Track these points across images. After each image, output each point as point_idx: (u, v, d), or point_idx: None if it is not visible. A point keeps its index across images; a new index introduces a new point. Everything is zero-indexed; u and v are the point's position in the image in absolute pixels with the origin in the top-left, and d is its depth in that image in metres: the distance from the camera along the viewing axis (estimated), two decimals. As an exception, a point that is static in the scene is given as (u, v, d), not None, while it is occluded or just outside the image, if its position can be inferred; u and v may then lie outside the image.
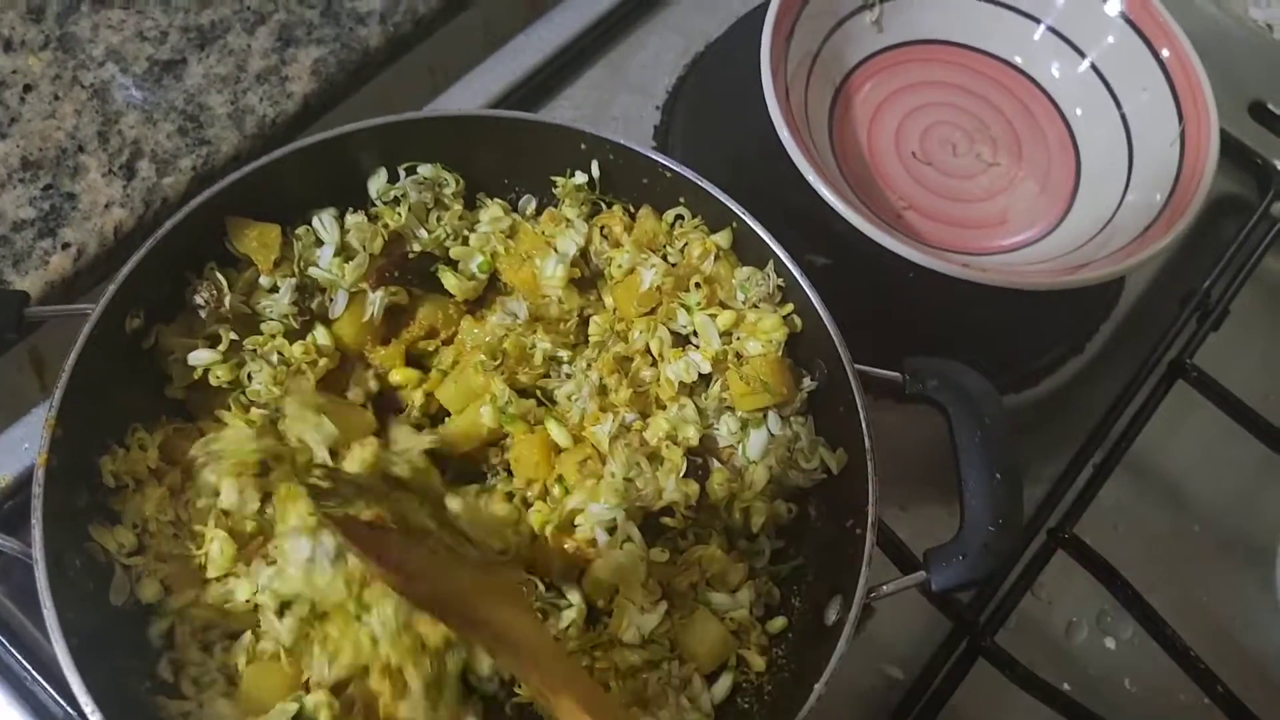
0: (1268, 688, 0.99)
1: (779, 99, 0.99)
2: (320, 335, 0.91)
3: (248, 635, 0.81)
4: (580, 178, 0.96)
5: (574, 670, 0.73)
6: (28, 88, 1.02)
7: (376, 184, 0.95)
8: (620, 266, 0.94)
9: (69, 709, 0.83)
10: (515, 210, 0.99)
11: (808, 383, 0.90)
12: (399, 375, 0.93)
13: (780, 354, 0.90)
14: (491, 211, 0.97)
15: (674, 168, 0.92)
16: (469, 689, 0.80)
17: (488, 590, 0.71)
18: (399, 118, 0.91)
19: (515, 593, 0.76)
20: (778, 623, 0.87)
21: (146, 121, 1.02)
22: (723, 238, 0.93)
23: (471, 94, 1.14)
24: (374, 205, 0.95)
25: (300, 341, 0.90)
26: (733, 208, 0.90)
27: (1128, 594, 0.95)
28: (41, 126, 1.01)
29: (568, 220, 0.96)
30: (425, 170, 0.95)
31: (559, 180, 0.96)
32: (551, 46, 1.18)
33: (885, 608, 0.97)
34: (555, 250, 0.94)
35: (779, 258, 0.89)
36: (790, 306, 0.91)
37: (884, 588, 0.79)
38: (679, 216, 0.95)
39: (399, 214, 0.94)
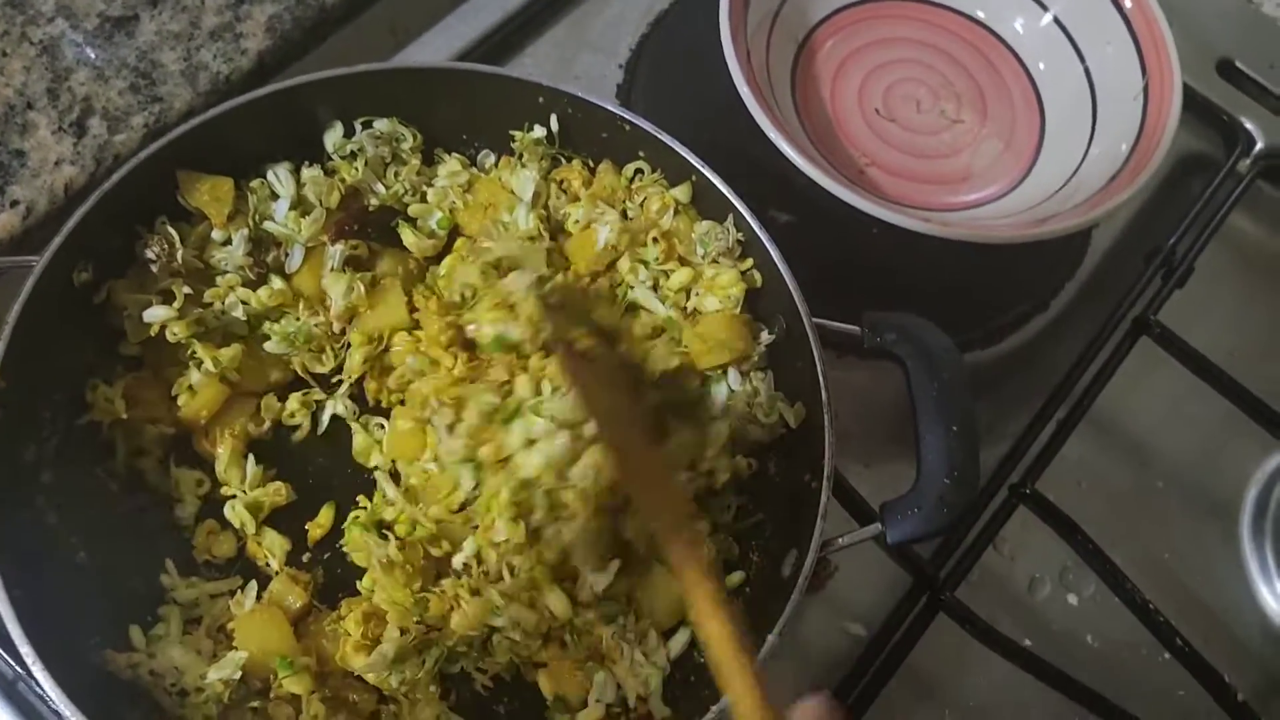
0: (1229, 642, 1.00)
1: (739, 57, 0.98)
2: (276, 284, 0.90)
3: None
4: (539, 131, 0.95)
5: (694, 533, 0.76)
6: (-26, 44, 1.01)
7: (333, 138, 0.94)
8: (577, 221, 0.93)
9: (18, 669, 0.82)
10: (474, 165, 0.98)
11: (765, 336, 0.90)
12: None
13: (739, 310, 0.90)
14: (449, 166, 0.96)
15: (633, 120, 0.91)
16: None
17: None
18: (354, 70, 0.91)
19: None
20: (735, 577, 0.86)
21: (98, 78, 1.00)
22: (681, 192, 0.93)
23: (433, 51, 1.13)
24: (330, 159, 0.94)
25: (264, 287, 0.89)
26: (692, 161, 0.90)
27: (1089, 549, 0.95)
28: (-10, 83, 0.99)
29: (522, 165, 0.96)
30: (382, 125, 0.94)
31: (517, 134, 0.95)
32: (513, 4, 1.17)
33: (848, 566, 0.97)
34: (515, 194, 0.94)
35: (739, 211, 0.89)
36: (750, 262, 0.91)
37: (839, 540, 0.79)
38: (638, 171, 0.95)
39: (355, 169, 0.93)
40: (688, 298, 0.92)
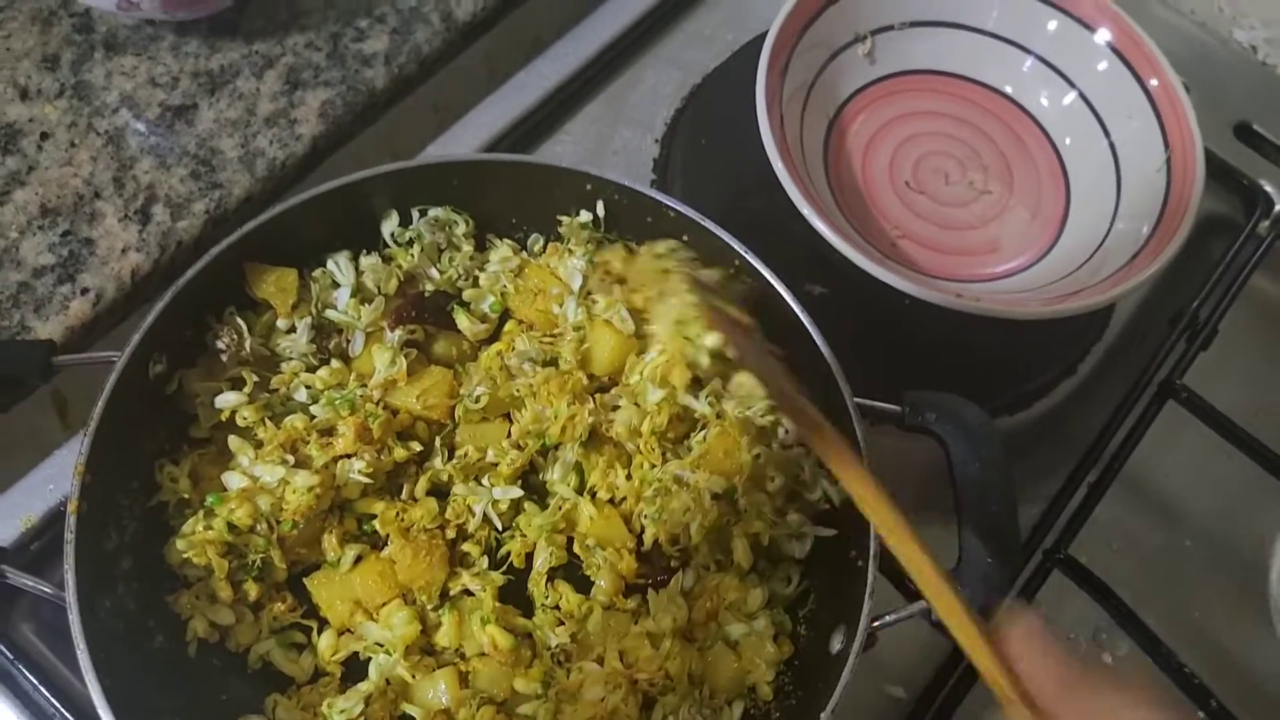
0: (1261, 700, 1.02)
1: (774, 132, 1.02)
2: (335, 364, 0.95)
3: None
4: (585, 216, 0.99)
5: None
6: (44, 135, 1.05)
7: (389, 226, 0.98)
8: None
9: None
10: (524, 250, 1.02)
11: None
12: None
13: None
14: (500, 252, 1.00)
15: (676, 207, 0.94)
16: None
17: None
18: (409, 164, 0.95)
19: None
20: (785, 649, 0.89)
21: (160, 166, 1.05)
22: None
23: (475, 131, 1.17)
24: (388, 247, 0.98)
25: (325, 367, 0.94)
26: (734, 245, 0.93)
27: (1122, 611, 0.98)
28: (59, 174, 1.03)
29: (570, 252, 1.00)
30: (437, 212, 0.98)
31: (564, 219, 0.99)
32: (552, 82, 1.21)
33: (889, 630, 1.00)
34: (560, 279, 0.98)
35: (778, 292, 0.92)
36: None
37: (887, 617, 0.82)
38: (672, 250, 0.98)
39: (411, 255, 0.97)
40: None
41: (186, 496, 0.88)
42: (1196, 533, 1.09)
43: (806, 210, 0.99)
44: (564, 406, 0.92)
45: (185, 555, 0.85)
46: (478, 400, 0.93)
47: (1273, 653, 1.05)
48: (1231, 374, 1.16)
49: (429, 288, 0.98)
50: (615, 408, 0.96)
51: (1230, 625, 1.06)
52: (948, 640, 0.96)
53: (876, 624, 0.81)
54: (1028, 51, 1.16)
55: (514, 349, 0.96)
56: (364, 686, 0.85)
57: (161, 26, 1.12)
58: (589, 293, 0.98)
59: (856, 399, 0.88)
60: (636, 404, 0.96)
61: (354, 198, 0.93)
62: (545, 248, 1.02)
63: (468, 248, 0.99)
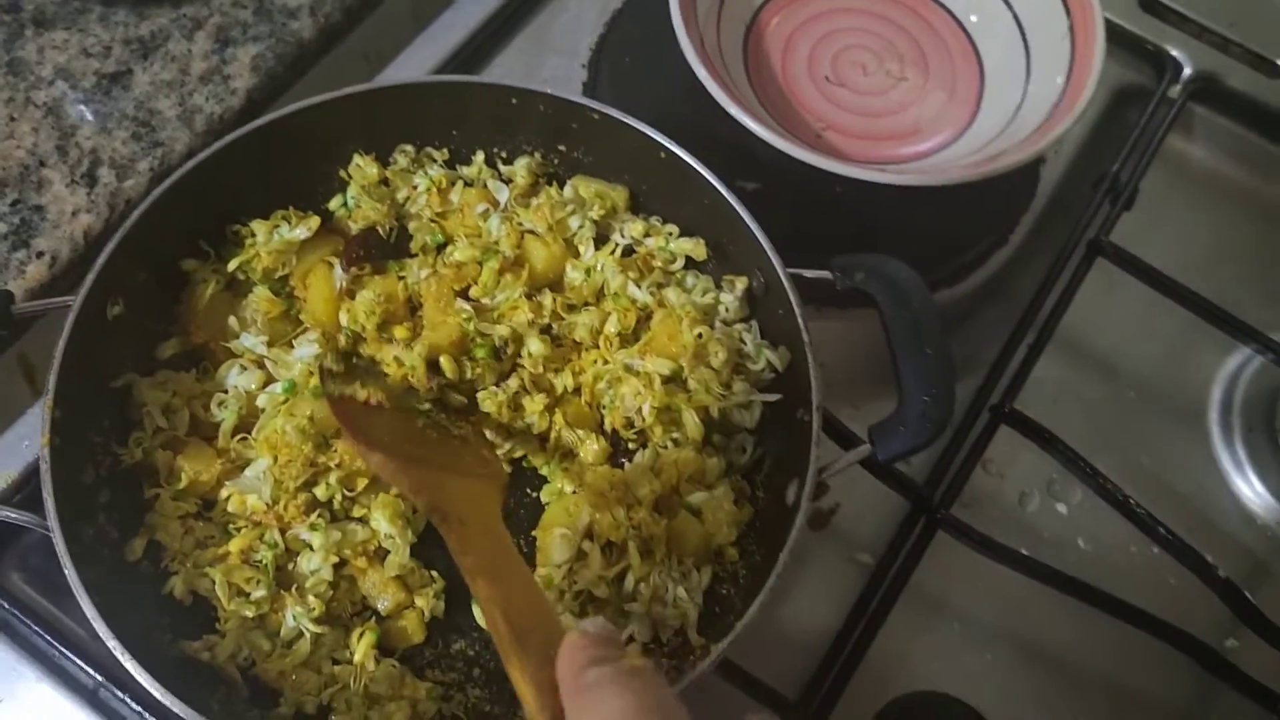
0: (1210, 530, 1.06)
1: (693, 42, 1.06)
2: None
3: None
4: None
5: (512, 575, 0.74)
6: (-16, 112, 1.08)
7: (335, 203, 1.03)
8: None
9: (99, 677, 0.89)
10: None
11: (738, 289, 0.99)
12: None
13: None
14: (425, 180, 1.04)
15: (600, 109, 0.98)
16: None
17: (457, 469, 0.84)
18: (336, 94, 0.97)
19: (485, 483, 0.84)
20: (745, 512, 0.93)
21: (101, 131, 1.08)
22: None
23: (406, 72, 1.20)
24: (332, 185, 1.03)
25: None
26: (659, 139, 0.96)
27: (1069, 456, 1.03)
28: (2, 147, 1.06)
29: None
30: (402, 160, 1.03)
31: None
32: (476, 19, 1.24)
33: (849, 501, 1.04)
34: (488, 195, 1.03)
35: (705, 178, 0.95)
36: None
37: (835, 464, 0.86)
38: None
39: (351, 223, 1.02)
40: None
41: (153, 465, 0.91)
42: (1137, 382, 1.14)
43: (733, 109, 1.03)
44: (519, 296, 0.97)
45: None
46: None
47: (1219, 486, 1.10)
48: (1156, 231, 1.20)
49: (354, 227, 1.01)
50: (570, 307, 1.00)
51: (1178, 466, 1.10)
52: (904, 499, 1.03)
53: (825, 472, 0.85)
54: (926, -64, 1.21)
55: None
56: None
57: (88, 0, 1.15)
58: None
59: (789, 269, 0.91)
60: (588, 304, 1.00)
61: (286, 131, 0.96)
62: (487, 161, 1.05)
63: (438, 173, 1.03)
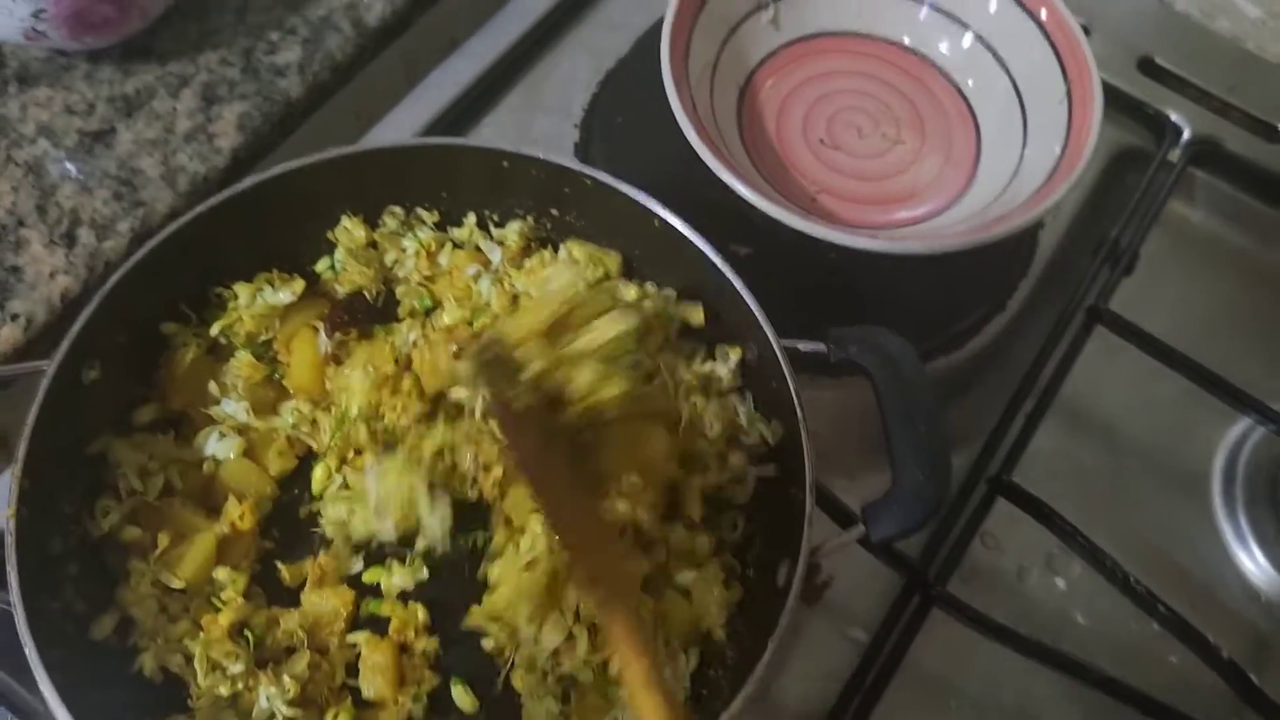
0: (1213, 607, 1.04)
1: (685, 106, 1.04)
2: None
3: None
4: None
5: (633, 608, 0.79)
6: (-37, 171, 1.06)
7: (323, 265, 1.01)
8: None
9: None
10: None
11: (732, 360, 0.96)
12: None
13: None
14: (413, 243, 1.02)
15: (592, 174, 0.96)
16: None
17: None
18: (325, 156, 0.95)
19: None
20: (735, 593, 0.90)
21: (82, 190, 1.06)
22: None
23: (395, 131, 1.18)
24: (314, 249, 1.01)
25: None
26: (652, 207, 0.95)
27: (1067, 531, 1.00)
28: (-20, 206, 1.04)
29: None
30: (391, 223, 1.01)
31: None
32: (468, 77, 1.23)
33: (843, 576, 1.01)
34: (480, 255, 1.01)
35: (698, 247, 0.93)
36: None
37: (827, 544, 0.83)
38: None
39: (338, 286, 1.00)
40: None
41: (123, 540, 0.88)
42: (1137, 451, 1.11)
43: (724, 174, 1.01)
44: None
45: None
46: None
47: (1221, 560, 1.07)
48: (1156, 297, 1.18)
49: (340, 290, 1.00)
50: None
51: (1179, 539, 1.07)
52: (899, 575, 1.00)
53: (817, 552, 0.82)
54: (921, 2, 1.19)
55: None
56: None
57: (74, 56, 1.13)
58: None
59: (782, 340, 0.89)
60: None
61: (271, 194, 0.94)
62: (479, 223, 1.04)
63: (428, 236, 1.01)
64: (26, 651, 0.74)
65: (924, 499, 0.82)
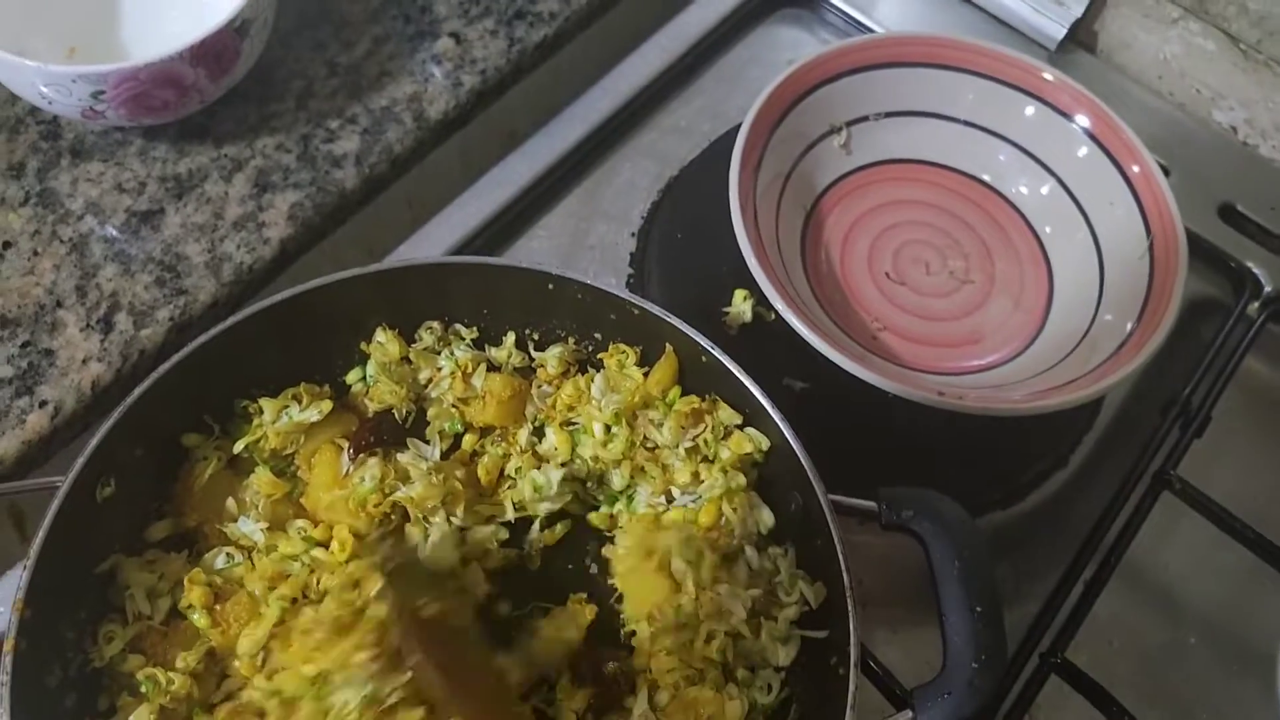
0: (1275, 806, 0.97)
1: (748, 230, 1.00)
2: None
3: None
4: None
5: None
6: (6, 244, 1.04)
7: (354, 377, 0.98)
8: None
9: None
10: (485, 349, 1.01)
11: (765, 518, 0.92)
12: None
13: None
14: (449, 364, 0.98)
15: (640, 304, 0.92)
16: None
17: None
18: (365, 270, 0.91)
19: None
20: (766, 763, 0.85)
21: (124, 273, 1.03)
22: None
23: (450, 228, 1.15)
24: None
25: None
26: (702, 343, 0.91)
27: (1124, 718, 0.94)
28: (20, 283, 1.02)
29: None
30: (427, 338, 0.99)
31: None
32: (527, 178, 1.20)
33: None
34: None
35: (746, 386, 0.89)
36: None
37: (872, 729, 0.78)
38: None
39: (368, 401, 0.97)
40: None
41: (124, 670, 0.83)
42: (1200, 629, 1.05)
43: (781, 307, 0.97)
44: None
45: None
46: None
47: (1286, 754, 1.00)
48: (1227, 461, 1.12)
49: (370, 406, 0.96)
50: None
51: (1240, 727, 1.01)
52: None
53: (860, 737, 0.77)
54: (1004, 139, 1.15)
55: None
56: None
57: (130, 132, 1.11)
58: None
59: (832, 495, 0.84)
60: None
61: (308, 305, 0.91)
62: (517, 344, 1.00)
63: (465, 356, 0.97)
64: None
65: (977, 688, 0.77)
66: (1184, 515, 1.06)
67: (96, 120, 1.04)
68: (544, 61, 1.28)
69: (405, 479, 0.91)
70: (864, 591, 0.82)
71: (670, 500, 0.94)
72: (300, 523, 0.90)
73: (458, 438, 0.97)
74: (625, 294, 0.93)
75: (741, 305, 1.08)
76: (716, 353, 0.90)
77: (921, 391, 0.93)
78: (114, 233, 1.06)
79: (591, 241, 1.20)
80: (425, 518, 0.90)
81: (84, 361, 0.98)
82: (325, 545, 0.89)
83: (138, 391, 0.83)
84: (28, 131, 1.11)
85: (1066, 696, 0.97)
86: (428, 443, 0.96)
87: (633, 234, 1.20)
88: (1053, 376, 1.01)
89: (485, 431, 0.98)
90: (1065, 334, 1.06)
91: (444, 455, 0.96)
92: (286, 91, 1.17)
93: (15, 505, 0.99)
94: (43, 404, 0.96)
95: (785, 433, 0.87)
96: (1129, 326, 1.01)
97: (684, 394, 0.96)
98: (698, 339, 0.91)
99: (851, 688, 0.77)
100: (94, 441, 0.80)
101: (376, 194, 1.16)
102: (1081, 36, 1.39)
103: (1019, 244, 1.13)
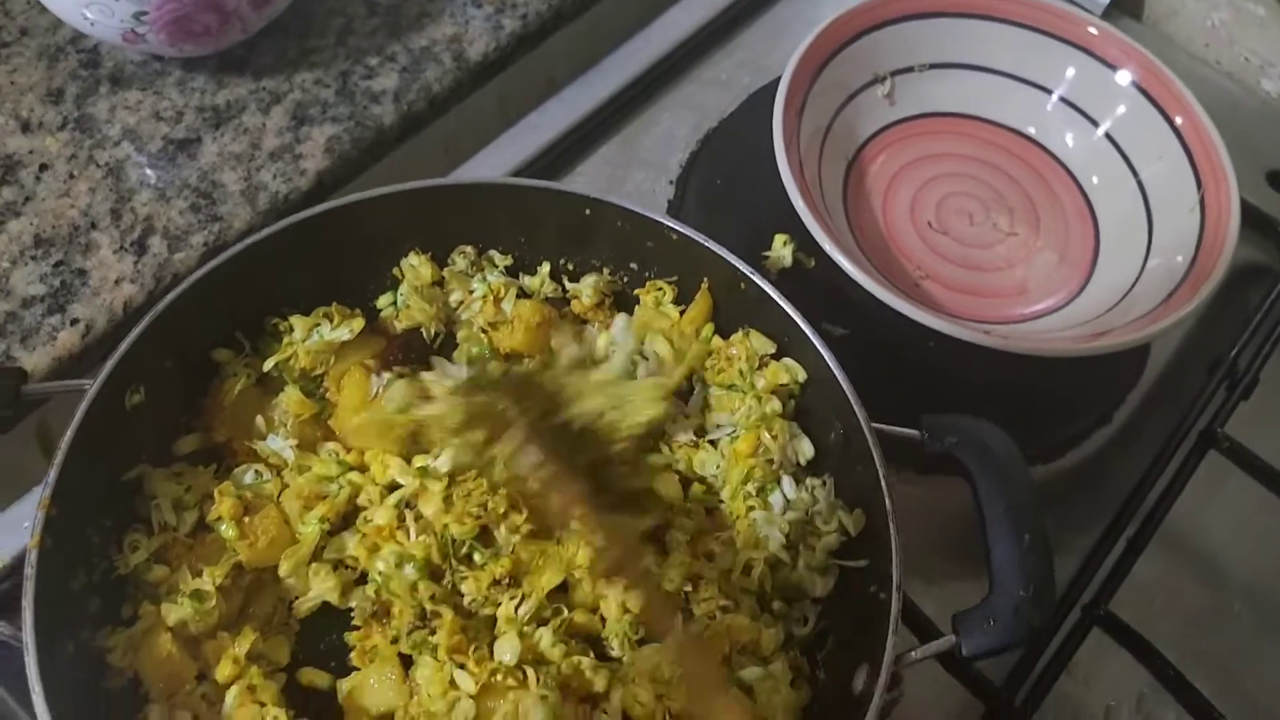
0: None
1: (793, 171, 0.99)
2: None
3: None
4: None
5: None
6: (43, 167, 1.03)
7: (385, 301, 0.96)
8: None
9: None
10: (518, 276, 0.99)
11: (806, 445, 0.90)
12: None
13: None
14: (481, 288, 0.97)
15: (679, 229, 0.91)
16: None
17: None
18: (402, 187, 0.91)
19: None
20: (803, 694, 0.82)
21: (159, 198, 1.02)
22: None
23: (486, 169, 1.14)
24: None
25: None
26: (743, 269, 0.89)
27: (1168, 674, 0.91)
28: (55, 205, 1.01)
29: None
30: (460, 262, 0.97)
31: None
32: (565, 123, 1.19)
33: (914, 692, 0.92)
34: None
35: (790, 315, 0.87)
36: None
37: (913, 654, 0.75)
38: None
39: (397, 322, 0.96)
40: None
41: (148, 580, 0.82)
42: (1245, 591, 1.02)
43: (828, 246, 0.95)
44: None
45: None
46: None
47: (1335, 724, 0.97)
48: (1276, 423, 1.09)
49: (398, 326, 0.95)
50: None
51: (1284, 691, 0.98)
52: (978, 702, 0.91)
53: (901, 661, 0.74)
54: (1050, 92, 1.13)
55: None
56: None
57: (169, 63, 1.11)
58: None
59: (875, 424, 0.82)
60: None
61: (343, 222, 0.89)
62: (551, 274, 0.99)
63: (498, 280, 0.96)
64: (34, 698, 0.68)
65: (1024, 618, 0.74)
66: (1229, 478, 1.03)
67: (137, 45, 1.03)
68: (586, 10, 1.27)
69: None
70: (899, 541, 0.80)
71: (701, 435, 0.92)
72: (332, 445, 0.89)
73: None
74: (664, 218, 0.91)
75: (781, 250, 1.06)
76: (756, 278, 0.89)
77: (967, 330, 0.91)
78: (150, 159, 1.05)
79: (629, 188, 1.18)
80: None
81: (116, 282, 0.97)
82: (360, 470, 0.88)
83: (169, 298, 0.82)
84: (67, 60, 1.10)
85: (1106, 654, 0.95)
86: (455, 364, 0.94)
87: (670, 182, 1.19)
88: (1097, 325, 0.99)
89: (510, 357, 0.96)
90: (1112, 286, 1.04)
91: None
92: (326, 28, 1.16)
93: (44, 425, 0.98)
94: (74, 322, 0.95)
95: (826, 358, 0.85)
96: (1179, 276, 0.99)
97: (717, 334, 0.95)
98: (737, 264, 0.89)
99: (894, 609, 0.75)
100: (124, 345, 0.79)
101: (414, 132, 1.14)
102: (1127, 3, 1.37)
103: (1064, 197, 1.11)
